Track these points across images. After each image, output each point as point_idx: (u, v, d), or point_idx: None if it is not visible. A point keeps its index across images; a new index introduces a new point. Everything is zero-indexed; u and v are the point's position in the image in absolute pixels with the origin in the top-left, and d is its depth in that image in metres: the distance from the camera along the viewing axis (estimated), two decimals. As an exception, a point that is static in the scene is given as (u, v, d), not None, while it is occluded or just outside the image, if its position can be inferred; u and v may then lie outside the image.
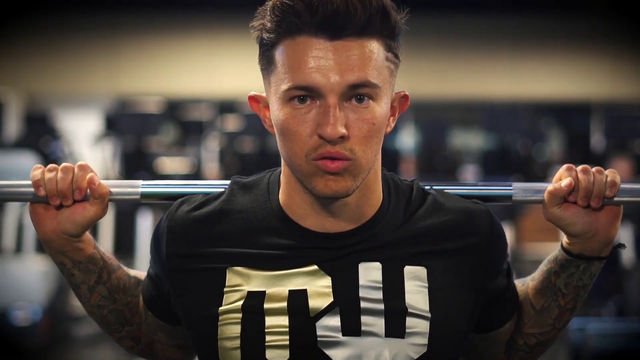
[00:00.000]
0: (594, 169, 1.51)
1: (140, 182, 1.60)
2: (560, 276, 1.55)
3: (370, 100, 1.41)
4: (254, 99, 1.52)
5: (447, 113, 11.93)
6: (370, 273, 1.47)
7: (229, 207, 1.52)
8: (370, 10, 1.39)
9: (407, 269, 1.48)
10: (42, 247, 1.58)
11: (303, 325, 1.45)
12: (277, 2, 1.41)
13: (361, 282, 1.46)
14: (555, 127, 11.93)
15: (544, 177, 8.28)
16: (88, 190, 1.53)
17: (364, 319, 1.45)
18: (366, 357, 1.44)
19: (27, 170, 1.56)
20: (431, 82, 11.54)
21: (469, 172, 9.17)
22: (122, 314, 1.63)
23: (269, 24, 1.42)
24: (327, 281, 1.46)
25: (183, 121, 10.62)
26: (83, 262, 1.57)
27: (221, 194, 1.55)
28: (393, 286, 1.46)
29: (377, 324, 1.45)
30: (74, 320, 6.62)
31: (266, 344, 1.45)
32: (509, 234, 7.00)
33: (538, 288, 1.58)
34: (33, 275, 6.03)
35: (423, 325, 1.46)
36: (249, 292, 1.47)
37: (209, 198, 1.55)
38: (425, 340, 1.46)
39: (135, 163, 8.15)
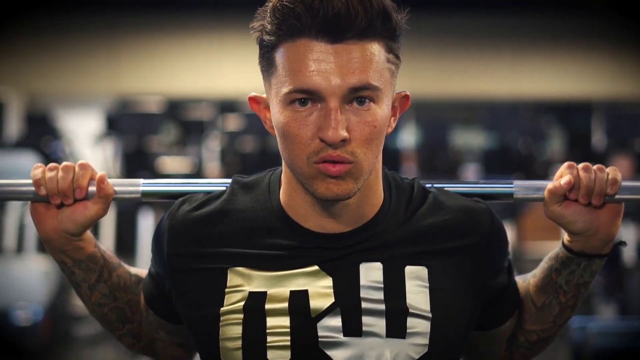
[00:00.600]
0: (595, 167, 1.51)
1: (141, 180, 1.60)
2: (561, 273, 1.55)
3: (372, 103, 1.41)
4: (254, 100, 1.51)
5: (448, 112, 11.92)
6: (371, 273, 1.47)
7: (230, 207, 1.52)
8: (372, 13, 1.39)
9: (408, 269, 1.48)
10: (43, 247, 1.59)
11: (304, 325, 1.45)
12: (278, 4, 1.40)
13: (362, 282, 1.46)
14: (556, 125, 11.93)
15: (545, 175, 8.27)
16: (89, 189, 1.53)
17: (365, 319, 1.45)
18: (367, 358, 1.44)
19: (28, 170, 1.56)
20: (432, 81, 11.53)
21: (470, 171, 9.16)
22: (123, 312, 1.63)
23: (269, 26, 1.42)
24: (328, 282, 1.46)
25: (184, 121, 10.62)
26: (84, 260, 1.57)
27: (222, 193, 1.55)
28: (394, 286, 1.46)
29: (378, 324, 1.45)
30: (75, 320, 6.62)
31: (267, 344, 1.45)
32: (510, 232, 7.01)
33: (539, 285, 1.58)
34: (34, 275, 6.03)
35: (424, 326, 1.46)
36: (250, 293, 1.47)
37: (210, 197, 1.55)
38: (426, 341, 1.46)
39: (136, 163, 8.15)
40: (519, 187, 1.57)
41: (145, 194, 1.60)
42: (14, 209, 6.24)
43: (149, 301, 1.61)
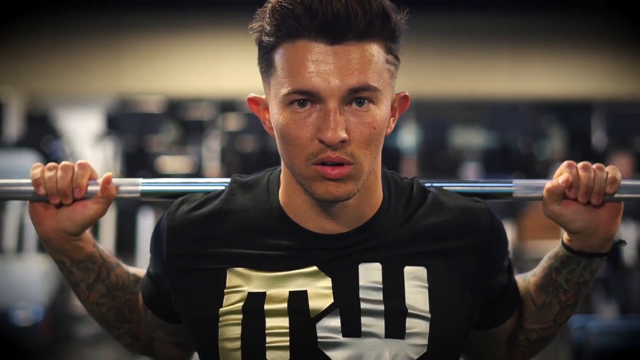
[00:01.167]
0: (594, 166, 1.50)
1: (141, 180, 1.60)
2: (561, 272, 1.55)
3: (371, 104, 1.41)
4: (253, 101, 1.51)
5: (448, 111, 11.91)
6: (370, 274, 1.46)
7: (229, 207, 1.52)
8: (371, 14, 1.38)
9: (407, 269, 1.48)
10: (43, 247, 1.59)
11: (303, 326, 1.45)
12: (277, 5, 1.40)
13: (361, 282, 1.46)
14: (556, 125, 11.92)
15: (545, 175, 8.28)
16: (89, 188, 1.53)
17: (364, 319, 1.45)
18: (366, 358, 1.44)
19: (28, 170, 1.56)
20: (432, 80, 11.53)
21: (470, 170, 9.16)
22: (121, 311, 1.63)
23: (268, 27, 1.41)
24: (327, 282, 1.46)
25: (184, 120, 10.62)
26: (82, 260, 1.57)
27: (221, 192, 1.55)
28: (393, 287, 1.46)
29: (377, 324, 1.45)
30: (76, 320, 6.62)
31: (267, 345, 1.45)
32: (510, 231, 7.02)
33: (539, 284, 1.58)
34: (34, 275, 6.03)
35: (423, 326, 1.46)
36: (250, 294, 1.47)
37: (209, 197, 1.55)
38: (425, 341, 1.45)
39: (136, 162, 8.16)
40: (518, 186, 1.57)
41: (144, 193, 1.60)
42: (14, 208, 6.25)
43: (147, 301, 1.61)
